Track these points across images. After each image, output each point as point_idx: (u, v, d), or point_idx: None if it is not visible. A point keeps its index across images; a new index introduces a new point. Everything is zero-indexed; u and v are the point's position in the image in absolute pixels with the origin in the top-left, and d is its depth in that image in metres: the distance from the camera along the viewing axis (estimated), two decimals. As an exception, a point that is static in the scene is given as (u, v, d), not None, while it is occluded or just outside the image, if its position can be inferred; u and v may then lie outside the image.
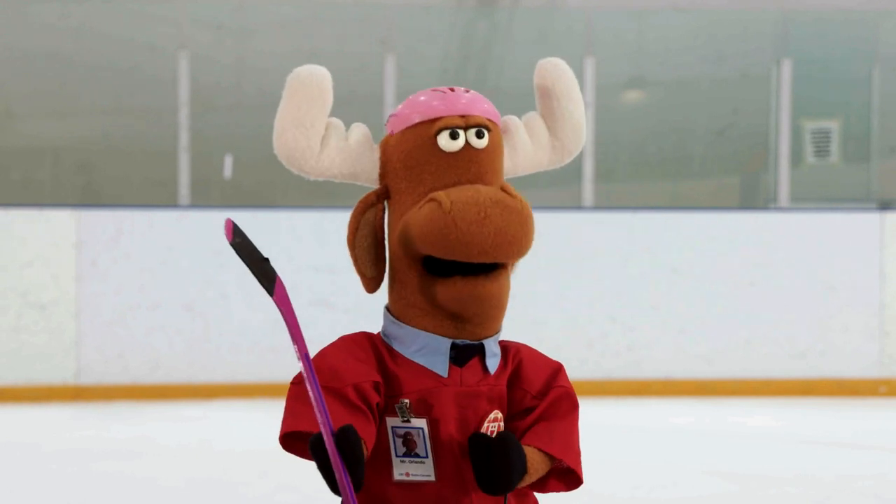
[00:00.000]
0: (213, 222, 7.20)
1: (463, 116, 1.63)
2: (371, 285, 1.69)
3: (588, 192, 7.91)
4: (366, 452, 1.56)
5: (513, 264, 1.67)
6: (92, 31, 8.26)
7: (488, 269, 1.60)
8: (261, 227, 7.16)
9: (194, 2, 8.16)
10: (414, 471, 1.65)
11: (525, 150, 1.72)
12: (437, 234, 1.55)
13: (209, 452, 5.35)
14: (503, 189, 1.60)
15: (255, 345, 6.91)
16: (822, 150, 8.52)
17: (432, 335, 1.63)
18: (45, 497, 4.36)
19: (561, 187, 8.11)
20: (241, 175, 8.12)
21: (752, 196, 8.83)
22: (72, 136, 8.54)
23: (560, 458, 1.66)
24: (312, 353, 1.60)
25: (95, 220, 7.04)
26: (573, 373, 6.65)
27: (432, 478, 1.64)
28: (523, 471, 1.60)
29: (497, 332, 1.68)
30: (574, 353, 7.17)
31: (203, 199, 7.91)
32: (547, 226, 7.38)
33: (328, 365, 1.65)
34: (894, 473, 4.95)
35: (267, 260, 1.56)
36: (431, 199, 1.57)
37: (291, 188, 8.46)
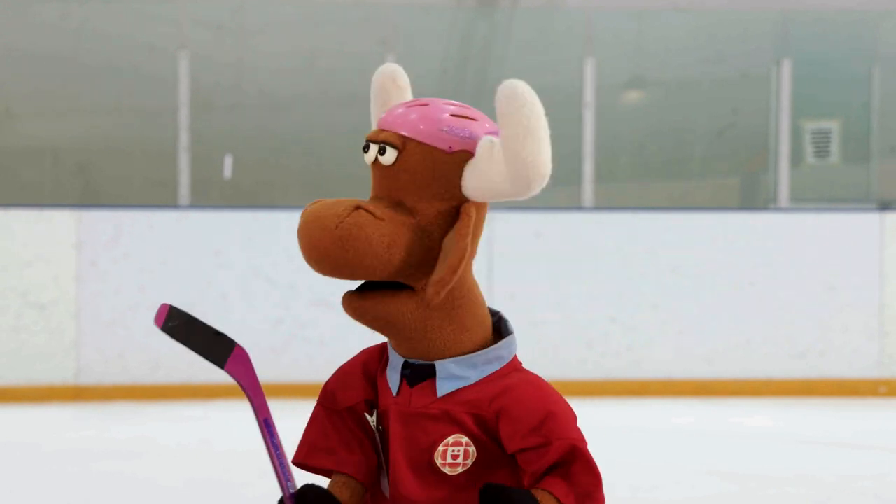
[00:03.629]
0: (213, 222, 7.21)
1: (382, 130, 1.60)
2: None
3: (588, 192, 7.91)
4: (347, 488, 1.63)
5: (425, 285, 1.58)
6: (92, 31, 8.25)
7: (375, 285, 1.60)
8: (261, 227, 7.16)
9: (194, 2, 8.16)
10: (383, 484, 1.68)
11: (487, 176, 1.56)
12: None
13: (209, 453, 5.35)
14: (364, 205, 1.53)
15: (255, 345, 6.89)
16: (822, 151, 8.52)
17: (393, 351, 1.65)
18: (46, 497, 4.36)
19: (561, 187, 8.11)
20: (241, 175, 8.12)
21: (752, 196, 8.83)
22: (72, 136, 8.54)
23: None
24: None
25: (95, 221, 7.04)
26: (573, 372, 6.69)
27: (387, 493, 1.66)
28: None
29: (452, 355, 1.61)
30: (574, 353, 7.17)
31: (203, 199, 7.91)
32: (547, 226, 7.42)
33: (329, 386, 1.71)
34: (895, 474, 4.95)
35: (219, 333, 1.53)
36: None
37: (291, 188, 8.46)
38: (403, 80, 1.70)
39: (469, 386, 1.62)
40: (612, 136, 8.47)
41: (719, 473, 4.80)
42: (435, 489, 1.62)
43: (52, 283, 6.95)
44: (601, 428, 5.94)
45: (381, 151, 1.58)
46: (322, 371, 1.70)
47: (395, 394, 1.62)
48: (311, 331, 6.86)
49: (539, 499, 1.56)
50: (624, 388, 7.25)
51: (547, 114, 1.53)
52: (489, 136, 1.57)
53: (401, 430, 1.62)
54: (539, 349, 7.04)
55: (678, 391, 7.26)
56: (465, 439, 1.61)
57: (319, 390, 1.71)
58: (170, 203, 7.71)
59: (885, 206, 8.11)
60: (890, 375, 7.38)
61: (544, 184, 1.55)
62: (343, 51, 8.32)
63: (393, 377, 1.64)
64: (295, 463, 1.67)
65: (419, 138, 1.58)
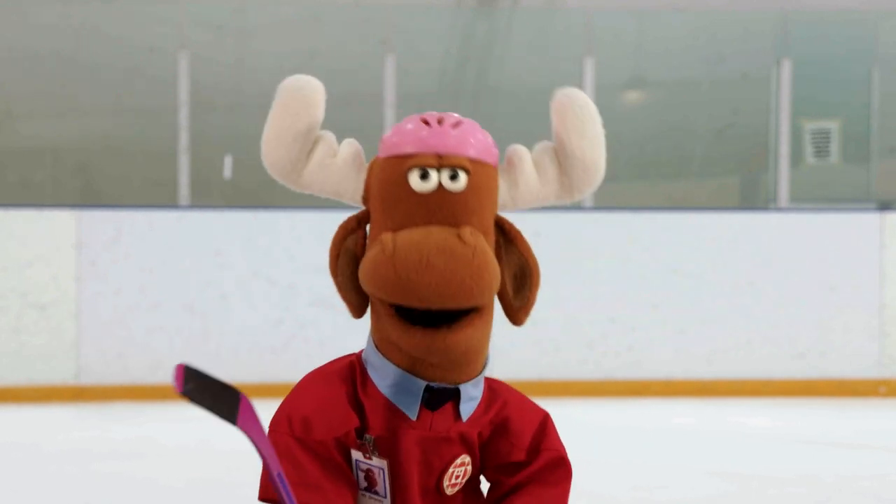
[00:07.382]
0: (213, 222, 7.20)
1: (439, 155, 1.52)
2: (357, 311, 1.63)
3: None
4: None
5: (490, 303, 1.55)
6: (92, 31, 8.26)
7: (451, 317, 1.49)
8: (261, 227, 7.16)
9: (194, 2, 8.16)
10: None
11: (528, 184, 1.62)
12: (379, 279, 1.48)
13: (210, 453, 5.35)
14: (460, 235, 1.47)
15: (255, 345, 6.91)
16: (821, 151, 8.52)
17: (407, 374, 1.55)
18: (46, 497, 4.35)
19: (561, 187, 8.09)
20: (241, 175, 8.12)
21: (752, 196, 8.83)
22: (72, 136, 8.54)
23: None
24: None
25: (95, 221, 7.04)
26: (573, 373, 6.68)
27: None
28: None
29: (476, 375, 1.58)
30: (574, 353, 7.17)
31: (203, 199, 7.91)
32: (547, 226, 7.41)
33: (301, 414, 1.59)
34: (895, 474, 4.95)
35: (227, 387, 1.43)
36: (379, 241, 1.50)
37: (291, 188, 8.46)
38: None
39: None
40: (612, 136, 8.41)
41: (719, 473, 4.80)
42: None
43: (52, 283, 6.95)
44: (601, 428, 5.95)
45: (453, 177, 1.51)
46: (322, 371, 1.67)
47: (414, 418, 1.56)
48: (311, 331, 6.86)
49: None
50: (624, 388, 7.25)
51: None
52: (543, 143, 1.61)
53: (418, 456, 1.57)
54: (539, 349, 7.04)
55: (678, 391, 7.26)
56: (468, 459, 1.61)
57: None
58: (170, 203, 7.71)
59: (885, 206, 8.11)
60: (890, 375, 7.38)
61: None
62: (343, 51, 8.32)
63: (407, 401, 1.55)
64: (264, 499, 1.58)
65: (483, 158, 1.55)
